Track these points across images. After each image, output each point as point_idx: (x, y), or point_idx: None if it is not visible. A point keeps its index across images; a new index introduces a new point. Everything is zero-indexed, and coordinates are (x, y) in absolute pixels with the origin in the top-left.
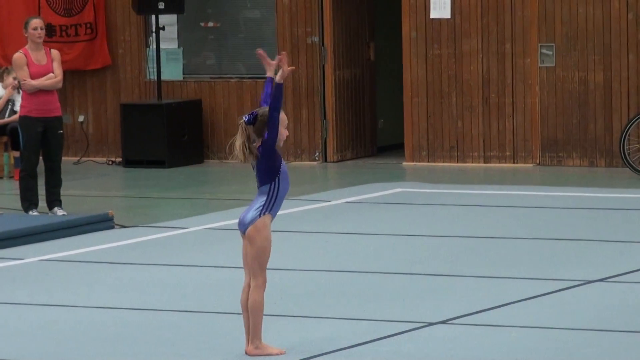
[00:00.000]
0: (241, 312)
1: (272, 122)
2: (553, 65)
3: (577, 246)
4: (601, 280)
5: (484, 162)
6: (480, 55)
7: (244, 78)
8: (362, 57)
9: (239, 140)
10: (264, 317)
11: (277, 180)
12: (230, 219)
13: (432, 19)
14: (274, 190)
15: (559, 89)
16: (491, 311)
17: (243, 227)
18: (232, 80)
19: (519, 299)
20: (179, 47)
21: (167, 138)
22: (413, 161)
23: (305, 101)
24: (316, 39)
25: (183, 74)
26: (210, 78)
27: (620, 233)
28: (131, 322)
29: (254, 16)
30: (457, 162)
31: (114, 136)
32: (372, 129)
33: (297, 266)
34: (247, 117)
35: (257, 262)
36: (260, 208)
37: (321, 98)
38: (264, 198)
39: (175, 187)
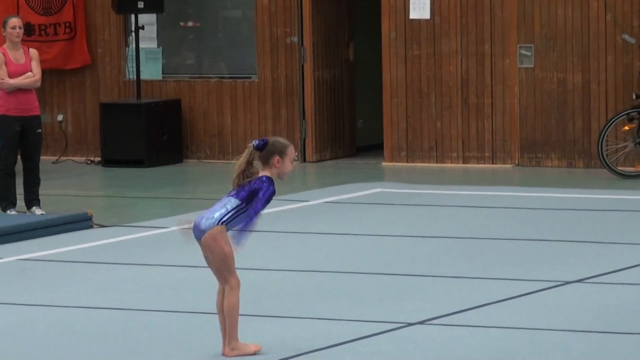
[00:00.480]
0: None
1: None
2: (532, 66)
3: (556, 247)
4: (579, 281)
5: (463, 163)
6: (460, 56)
7: (223, 78)
8: (342, 57)
9: (241, 165)
10: (241, 317)
11: (250, 210)
12: None
13: (412, 19)
14: (241, 210)
15: (537, 90)
16: (470, 312)
17: (198, 233)
18: (212, 80)
19: (497, 299)
20: (158, 46)
21: (146, 138)
22: (392, 161)
23: (284, 101)
24: (295, 39)
25: (162, 73)
26: (190, 78)
27: (599, 234)
28: (109, 322)
29: (234, 16)
30: (436, 162)
31: (93, 135)
32: (351, 129)
33: (275, 266)
34: (257, 142)
35: (223, 267)
36: (220, 218)
37: (300, 98)
38: (227, 210)
39: (154, 187)
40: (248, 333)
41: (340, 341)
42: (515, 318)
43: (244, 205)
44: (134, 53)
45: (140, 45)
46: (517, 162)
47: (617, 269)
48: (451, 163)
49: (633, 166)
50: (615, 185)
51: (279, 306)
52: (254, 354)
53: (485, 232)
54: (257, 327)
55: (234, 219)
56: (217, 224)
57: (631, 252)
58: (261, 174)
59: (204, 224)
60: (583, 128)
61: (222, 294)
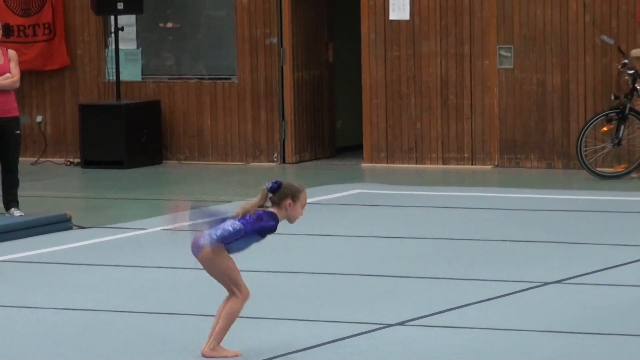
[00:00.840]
0: (214, 315)
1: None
2: (511, 67)
3: (535, 248)
4: (558, 282)
5: (443, 164)
6: (439, 57)
7: (203, 79)
8: (321, 58)
9: (254, 207)
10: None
11: (251, 233)
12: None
13: (391, 20)
14: (241, 237)
15: (517, 91)
16: (449, 312)
17: (197, 250)
18: (191, 81)
19: (476, 300)
20: (138, 47)
21: (126, 139)
22: (372, 162)
23: (263, 102)
24: (275, 40)
25: (142, 74)
26: (169, 79)
27: (578, 235)
28: (88, 323)
29: (213, 17)
30: (416, 163)
31: (72, 137)
32: (331, 130)
33: (254, 267)
34: (271, 184)
35: (228, 280)
36: (220, 237)
37: (280, 99)
38: (229, 232)
39: (133, 188)
40: (227, 335)
41: (319, 342)
42: (494, 319)
43: (245, 231)
44: (114, 54)
45: (120, 47)
46: (496, 163)
47: (596, 269)
48: (431, 164)
49: (612, 167)
50: (594, 186)
51: (257, 308)
52: (233, 357)
53: (465, 233)
54: (235, 329)
55: (234, 241)
56: (217, 242)
57: (610, 253)
58: (271, 209)
59: (202, 241)
60: (562, 129)
61: (225, 303)
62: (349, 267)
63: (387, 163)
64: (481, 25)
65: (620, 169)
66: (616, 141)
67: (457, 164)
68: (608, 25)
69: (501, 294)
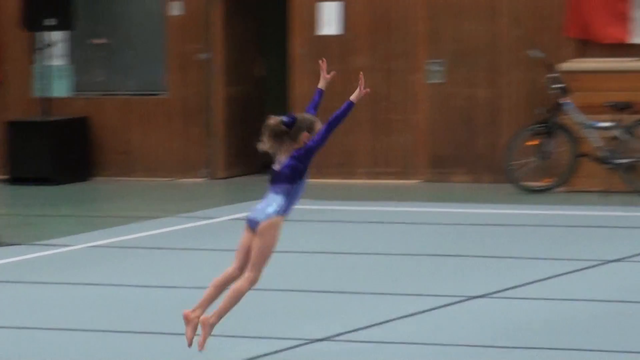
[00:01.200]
0: (205, 286)
1: (326, 132)
2: (441, 81)
3: (461, 262)
4: (483, 296)
5: (372, 179)
6: (369, 72)
7: (133, 95)
8: (252, 73)
9: (279, 125)
10: (131, 334)
11: (299, 183)
12: (116, 236)
13: (321, 35)
14: (292, 192)
15: (446, 105)
16: (375, 327)
17: (254, 222)
18: (122, 97)
19: (403, 314)
20: (68, 63)
21: (54, 155)
22: None
23: (194, 118)
24: (206, 56)
25: (72, 90)
26: (99, 95)
27: (505, 249)
28: (10, 341)
29: (144, 33)
30: (345, 178)
31: (0, 154)
32: None
33: (177, 284)
34: (286, 118)
35: (261, 257)
36: (278, 208)
37: (210, 115)
38: (282, 198)
39: (61, 205)
40: (139, 348)
41: (245, 358)
42: (420, 333)
43: (293, 185)
44: (43, 70)
45: (50, 63)
46: (425, 178)
47: (522, 283)
48: (360, 179)
49: (538, 181)
50: (521, 200)
51: (174, 324)
52: (204, 336)
53: (393, 247)
54: (150, 343)
55: (290, 204)
56: (277, 214)
57: (536, 267)
58: (291, 147)
59: (266, 212)
60: (490, 143)
61: (227, 275)
62: (275, 283)
63: (316, 178)
64: (411, 40)
65: (546, 182)
66: (543, 155)
67: (386, 179)
68: (537, 39)
69: (427, 308)
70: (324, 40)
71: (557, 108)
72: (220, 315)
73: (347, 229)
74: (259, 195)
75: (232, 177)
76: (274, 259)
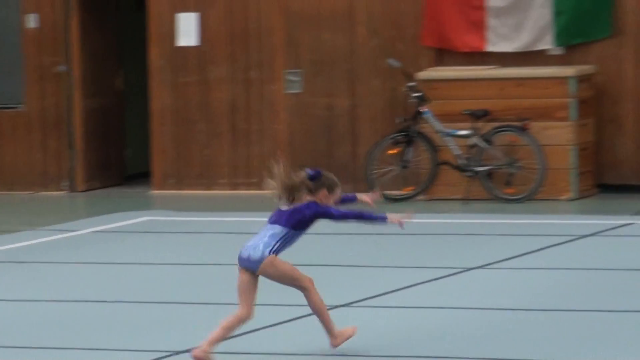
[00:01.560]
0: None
1: (350, 217)
2: (299, 91)
3: (325, 271)
4: (347, 305)
5: (232, 189)
6: (228, 83)
7: None
8: (111, 86)
9: (293, 182)
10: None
11: (298, 233)
12: None
13: (180, 46)
14: (289, 238)
15: (305, 115)
16: (235, 339)
17: (249, 264)
18: None
19: (263, 325)
20: None
21: None
22: (161, 189)
23: (52, 131)
24: (64, 68)
25: None
26: None
27: (366, 257)
28: None
29: (0, 45)
30: (206, 189)
31: None
32: (120, 158)
33: (41, 297)
34: (312, 172)
35: (292, 282)
36: (270, 248)
37: (69, 127)
38: (277, 240)
39: None
40: None
41: None
42: (282, 343)
43: (290, 231)
44: None
45: None
46: None
47: (384, 292)
48: (220, 190)
49: (399, 189)
50: (382, 209)
51: (37, 338)
52: (353, 334)
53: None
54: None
55: (283, 247)
56: (270, 254)
57: (398, 275)
58: (306, 199)
59: (253, 255)
60: (350, 152)
61: (238, 319)
62: (136, 295)
63: (176, 190)
64: (269, 50)
65: (407, 191)
66: (403, 164)
67: (247, 189)
68: (395, 49)
69: (290, 317)
70: (182, 51)
71: (417, 117)
72: (331, 329)
73: (208, 239)
74: (119, 207)
75: (92, 189)
76: (129, 270)
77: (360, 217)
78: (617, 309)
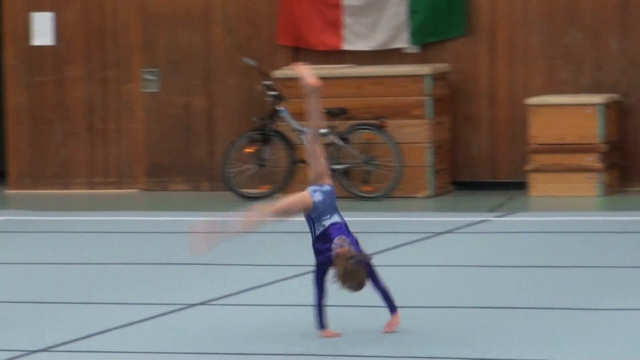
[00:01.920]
0: None
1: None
2: (157, 90)
3: (180, 270)
4: (203, 303)
5: (90, 189)
6: (84, 82)
7: None
8: None
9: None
10: None
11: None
12: None
13: (35, 46)
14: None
15: (163, 114)
16: (95, 337)
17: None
18: None
19: (122, 324)
20: None
21: None
22: (17, 189)
23: None
24: None
25: None
26: None
27: (224, 256)
28: None
29: None
30: (63, 189)
31: None
32: None
33: None
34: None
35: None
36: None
37: None
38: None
39: None
40: None
41: None
42: (139, 342)
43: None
44: None
45: None
46: (143, 187)
47: (241, 290)
48: (78, 189)
49: (256, 188)
50: (240, 207)
51: None
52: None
53: (111, 257)
54: None
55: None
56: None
57: (255, 274)
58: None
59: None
60: (208, 151)
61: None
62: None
63: (33, 189)
64: (126, 49)
65: (264, 189)
66: (260, 162)
67: (104, 189)
68: (250, 47)
69: (147, 317)
70: (38, 50)
71: (273, 115)
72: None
73: (65, 239)
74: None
75: None
76: None
77: (378, 288)
78: (474, 305)
